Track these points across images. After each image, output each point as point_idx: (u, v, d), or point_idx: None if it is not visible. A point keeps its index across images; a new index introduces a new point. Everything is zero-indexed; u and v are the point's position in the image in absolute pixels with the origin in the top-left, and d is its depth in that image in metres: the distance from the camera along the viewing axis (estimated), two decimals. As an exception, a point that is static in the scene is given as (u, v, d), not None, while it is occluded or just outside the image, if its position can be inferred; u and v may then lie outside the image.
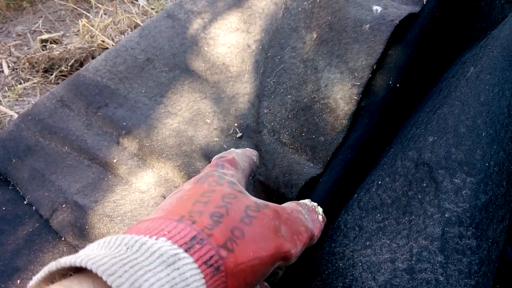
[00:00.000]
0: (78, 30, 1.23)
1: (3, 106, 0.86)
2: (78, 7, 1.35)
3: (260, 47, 0.44)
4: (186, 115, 0.43)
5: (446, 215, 0.26)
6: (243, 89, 0.43)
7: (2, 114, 0.87)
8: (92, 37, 1.09)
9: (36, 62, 1.03)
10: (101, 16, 1.25)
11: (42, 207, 0.42)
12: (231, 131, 0.41)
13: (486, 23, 0.35)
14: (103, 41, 1.07)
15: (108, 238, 0.19)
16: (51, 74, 1.03)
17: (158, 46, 0.47)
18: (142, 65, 0.46)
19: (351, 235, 0.30)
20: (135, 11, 1.30)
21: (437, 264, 0.26)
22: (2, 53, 1.10)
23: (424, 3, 0.35)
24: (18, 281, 0.38)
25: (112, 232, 0.38)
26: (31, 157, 0.45)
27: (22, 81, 1.01)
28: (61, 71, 1.02)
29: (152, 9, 1.34)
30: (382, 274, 0.27)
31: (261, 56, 0.43)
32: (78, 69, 1.02)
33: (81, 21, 1.17)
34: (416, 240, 0.27)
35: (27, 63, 1.03)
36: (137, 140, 0.42)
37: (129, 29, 1.19)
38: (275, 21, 0.44)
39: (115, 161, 0.42)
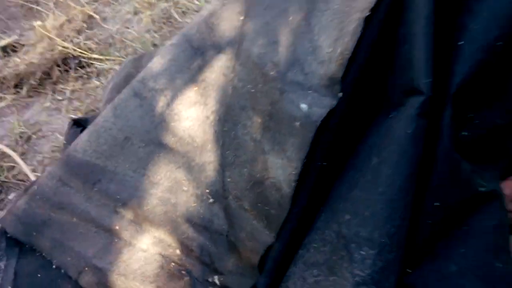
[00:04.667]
0: (34, 28, 1.25)
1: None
2: (26, 1, 1.35)
3: (217, 118, 0.54)
4: (166, 184, 0.54)
5: (356, 279, 0.40)
6: (208, 157, 0.53)
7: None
8: (51, 46, 1.12)
9: (4, 79, 1.07)
10: (53, 12, 1.26)
11: (70, 270, 0.54)
12: (204, 197, 0.52)
13: (387, 107, 0.46)
14: (64, 47, 1.10)
15: None
16: (21, 89, 1.08)
17: (132, 125, 0.56)
18: (122, 144, 0.56)
19: (298, 284, 0.44)
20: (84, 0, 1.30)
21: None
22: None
23: (340, 95, 0.46)
24: None
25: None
26: (48, 229, 0.56)
27: (-4, 100, 1.07)
28: (31, 85, 1.08)
29: (99, -7, 1.33)
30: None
31: (219, 127, 0.53)
32: (46, 81, 1.08)
33: (36, 24, 1.19)
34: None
35: (-4, 80, 1.08)
36: (131, 210, 0.54)
37: (85, 25, 1.22)
38: (227, 95, 0.53)
39: (117, 228, 0.54)
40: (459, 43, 0.45)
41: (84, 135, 0.59)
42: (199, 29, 0.57)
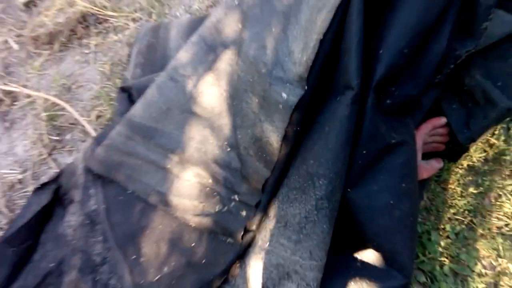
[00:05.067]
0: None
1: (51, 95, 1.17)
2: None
3: (228, 95, 0.82)
4: (198, 138, 0.84)
5: (317, 196, 0.72)
6: (224, 121, 0.83)
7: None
8: (69, 3, 1.32)
9: (39, 37, 1.29)
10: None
11: (141, 193, 0.86)
12: (224, 147, 0.83)
13: (335, 95, 0.75)
14: (83, 6, 1.31)
15: None
16: (53, 45, 1.31)
17: (171, 100, 0.84)
18: (166, 112, 0.84)
19: (284, 200, 0.77)
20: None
21: (314, 215, 0.73)
22: (2, 28, 1.34)
23: (306, 88, 0.74)
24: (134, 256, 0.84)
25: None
26: (122, 168, 0.87)
27: (34, 56, 1.30)
28: (61, 41, 1.30)
29: None
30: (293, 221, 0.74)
31: (230, 101, 0.82)
32: (72, 37, 1.30)
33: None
34: (307, 206, 0.74)
35: (31, 39, 1.30)
36: (177, 156, 0.84)
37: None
38: (234, 79, 0.81)
39: (168, 167, 0.85)
40: (380, 51, 0.73)
41: (138, 105, 0.87)
42: (210, 32, 0.83)
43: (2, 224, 1.05)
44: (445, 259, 0.99)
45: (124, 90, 1.04)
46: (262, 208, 0.78)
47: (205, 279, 0.77)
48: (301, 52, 0.73)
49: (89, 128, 1.11)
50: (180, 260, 0.81)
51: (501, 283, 0.97)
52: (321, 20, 0.72)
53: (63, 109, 1.17)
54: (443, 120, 0.96)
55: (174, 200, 0.84)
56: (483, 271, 0.98)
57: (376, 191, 0.76)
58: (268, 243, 0.76)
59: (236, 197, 0.81)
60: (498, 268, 0.98)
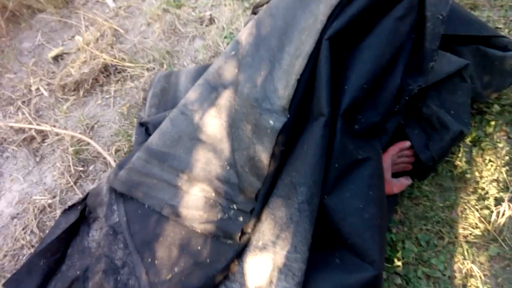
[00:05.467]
0: (72, 37, 1.67)
1: (95, 144, 1.38)
2: (62, 16, 1.75)
3: (227, 125, 1.02)
4: (203, 160, 1.03)
5: (299, 201, 0.90)
6: (224, 146, 1.02)
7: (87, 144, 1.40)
8: (92, 57, 1.55)
9: (66, 85, 1.52)
10: (87, 27, 1.68)
11: (156, 207, 1.04)
12: (224, 166, 1.02)
13: (311, 121, 0.94)
14: (104, 58, 1.54)
15: None
16: (79, 91, 1.53)
17: (181, 130, 1.04)
18: (177, 140, 1.04)
19: (274, 205, 0.94)
20: (108, 14, 1.72)
21: (297, 216, 0.90)
22: (35, 78, 1.57)
23: (288, 116, 0.94)
24: (150, 259, 1.02)
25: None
26: (141, 186, 1.06)
27: (61, 101, 1.52)
28: (85, 88, 1.52)
29: (119, 7, 1.75)
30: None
31: (228, 130, 1.01)
32: (95, 84, 1.52)
33: (77, 39, 1.62)
34: (291, 209, 0.91)
35: (60, 87, 1.52)
36: (186, 175, 1.03)
37: (114, 38, 1.65)
38: (232, 112, 1.01)
39: (179, 184, 1.04)
40: (345, 87, 0.94)
41: (155, 135, 1.07)
42: (213, 76, 1.04)
43: (34, 243, 1.22)
44: (418, 264, 1.15)
45: (142, 125, 1.24)
46: (256, 214, 0.95)
47: (209, 274, 0.94)
48: (284, 89, 0.93)
49: (110, 159, 1.30)
50: (189, 261, 0.98)
51: (468, 284, 1.12)
52: (298, 65, 0.93)
53: (87, 144, 1.37)
54: (407, 143, 1.16)
55: (183, 212, 1.02)
56: (452, 274, 1.14)
57: (347, 197, 0.94)
58: (261, 242, 0.93)
59: (234, 206, 0.99)
60: (465, 271, 1.13)
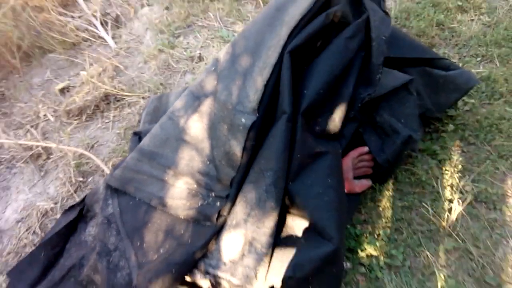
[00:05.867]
0: (78, 74, 1.90)
1: (95, 158, 1.56)
2: (69, 56, 2.00)
3: (208, 127, 1.20)
4: (187, 157, 1.20)
5: (266, 183, 1.06)
6: (205, 145, 1.20)
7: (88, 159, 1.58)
8: (95, 88, 1.77)
9: (70, 111, 1.72)
10: (91, 64, 1.91)
11: (145, 199, 1.19)
12: (205, 162, 1.19)
13: (277, 118, 1.13)
14: (105, 89, 1.76)
15: None
16: (81, 116, 1.73)
17: (169, 132, 1.22)
18: (165, 141, 1.22)
19: (247, 190, 1.10)
20: (110, 54, 1.96)
21: (265, 197, 1.06)
22: (43, 106, 1.77)
23: (257, 114, 1.13)
24: (138, 243, 1.17)
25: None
26: (133, 182, 1.22)
27: (66, 125, 1.72)
28: (87, 114, 1.72)
29: (120, 48, 1.99)
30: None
31: (208, 131, 1.20)
32: (96, 110, 1.73)
33: (82, 73, 1.84)
34: (260, 190, 1.07)
35: (65, 112, 1.72)
36: (172, 170, 1.20)
37: (115, 73, 1.88)
38: (211, 116, 1.20)
39: (166, 179, 1.20)
40: (304, 91, 1.13)
41: (146, 138, 1.25)
42: (196, 87, 1.24)
43: (36, 242, 1.36)
44: (380, 255, 1.28)
45: (136, 134, 1.43)
46: (231, 198, 1.11)
47: (190, 251, 1.07)
48: (254, 94, 1.13)
49: (107, 171, 1.47)
50: (173, 243, 1.12)
51: (426, 272, 1.25)
52: (265, 73, 1.13)
53: (88, 159, 1.54)
54: (366, 148, 1.34)
55: (169, 202, 1.17)
56: (411, 264, 1.27)
57: (309, 184, 1.11)
58: (234, 221, 1.08)
59: (213, 193, 1.15)
60: (422, 261, 1.27)
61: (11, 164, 1.58)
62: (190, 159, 1.19)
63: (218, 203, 1.13)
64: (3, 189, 1.53)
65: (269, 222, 1.05)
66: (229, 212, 1.11)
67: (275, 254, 1.08)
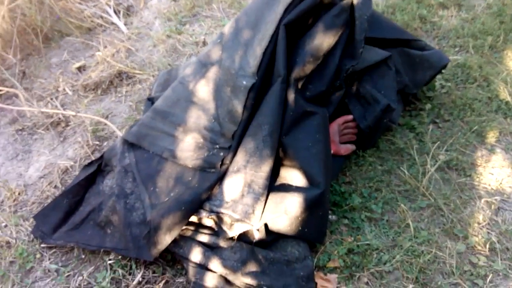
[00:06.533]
0: (93, 55, 2.08)
1: (109, 123, 1.74)
2: (85, 39, 2.19)
3: (213, 90, 1.39)
4: (195, 116, 1.38)
5: (263, 135, 1.24)
6: (211, 105, 1.38)
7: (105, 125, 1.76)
8: (109, 66, 1.95)
9: (87, 85, 1.90)
10: (105, 47, 2.10)
11: (158, 152, 1.37)
12: (211, 119, 1.37)
13: (273, 81, 1.32)
14: (119, 67, 1.94)
15: None
16: (97, 91, 1.91)
17: (179, 94, 1.41)
18: (176, 101, 1.40)
19: (246, 142, 1.28)
20: (123, 38, 2.15)
21: (262, 145, 1.25)
22: (62, 82, 1.95)
23: (256, 77, 1.31)
24: (152, 188, 1.35)
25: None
26: (147, 137, 1.40)
27: (82, 97, 1.90)
28: (102, 88, 1.91)
29: (132, 33, 2.19)
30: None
31: (214, 93, 1.38)
32: (110, 86, 1.91)
33: (97, 54, 2.03)
34: (257, 140, 1.25)
35: (82, 87, 1.90)
36: (182, 127, 1.38)
37: (127, 54, 2.06)
38: (217, 80, 1.39)
39: (176, 134, 1.38)
40: (296, 59, 1.32)
41: (160, 99, 1.43)
42: (204, 56, 1.43)
43: (57, 194, 1.53)
44: (362, 210, 1.46)
45: (149, 99, 1.61)
46: (233, 149, 1.30)
47: (197, 192, 1.25)
48: (253, 61, 1.32)
49: (120, 136, 1.65)
50: (182, 187, 1.30)
51: (400, 224, 1.43)
52: (264, 43, 1.32)
53: (104, 125, 1.72)
54: (350, 116, 1.53)
55: (179, 154, 1.36)
56: (389, 217, 1.45)
57: (300, 137, 1.30)
58: (235, 167, 1.27)
59: (217, 146, 1.33)
60: (399, 215, 1.45)
61: (32, 131, 1.76)
62: (197, 117, 1.37)
63: (221, 153, 1.31)
64: (25, 152, 1.70)
65: (265, 167, 1.23)
66: (231, 161, 1.29)
67: (269, 198, 1.26)
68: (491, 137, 1.69)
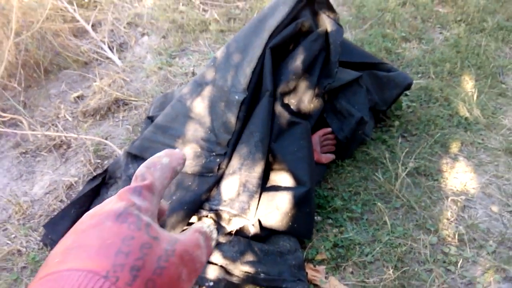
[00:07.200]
0: (90, 86, 2.25)
1: (112, 144, 1.89)
2: (81, 72, 2.36)
3: (208, 106, 1.57)
4: (192, 129, 1.56)
5: (255, 140, 1.42)
6: (207, 119, 1.56)
7: (105, 145, 1.91)
8: (106, 95, 2.12)
9: (87, 111, 2.05)
10: (101, 78, 2.28)
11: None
12: (208, 131, 1.54)
13: (262, 95, 1.52)
14: (115, 94, 2.11)
15: None
16: (96, 116, 2.07)
17: (178, 111, 1.58)
18: (175, 117, 1.58)
19: (240, 148, 1.46)
20: (117, 70, 2.34)
21: (254, 150, 1.42)
22: (63, 109, 2.10)
23: (247, 93, 1.51)
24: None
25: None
26: (149, 150, 1.56)
27: (82, 122, 2.05)
28: (101, 114, 2.06)
29: (126, 66, 2.37)
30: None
31: (209, 109, 1.57)
32: (108, 112, 2.07)
33: (94, 84, 2.20)
34: (250, 146, 1.43)
35: (81, 113, 2.06)
36: (181, 139, 1.55)
37: (123, 84, 2.24)
38: (212, 97, 1.57)
39: (176, 146, 1.55)
40: (281, 78, 1.53)
41: (160, 116, 1.60)
42: (199, 77, 1.62)
43: (65, 206, 1.65)
44: (343, 211, 1.64)
45: (149, 118, 1.78)
46: (228, 155, 1.47)
47: (198, 193, 1.41)
48: (244, 79, 1.52)
49: (120, 154, 1.80)
50: (183, 191, 1.45)
51: (378, 222, 1.60)
52: (252, 64, 1.53)
53: (104, 146, 1.87)
54: (329, 129, 1.73)
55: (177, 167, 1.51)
56: (368, 216, 1.62)
57: (286, 144, 1.48)
58: (231, 170, 1.43)
59: (213, 153, 1.50)
60: (376, 214, 1.62)
61: (35, 153, 1.88)
62: (195, 130, 1.55)
63: (218, 159, 1.48)
64: (29, 173, 1.82)
65: (258, 168, 1.40)
66: (227, 165, 1.46)
67: (262, 197, 1.42)
68: (454, 147, 1.91)
